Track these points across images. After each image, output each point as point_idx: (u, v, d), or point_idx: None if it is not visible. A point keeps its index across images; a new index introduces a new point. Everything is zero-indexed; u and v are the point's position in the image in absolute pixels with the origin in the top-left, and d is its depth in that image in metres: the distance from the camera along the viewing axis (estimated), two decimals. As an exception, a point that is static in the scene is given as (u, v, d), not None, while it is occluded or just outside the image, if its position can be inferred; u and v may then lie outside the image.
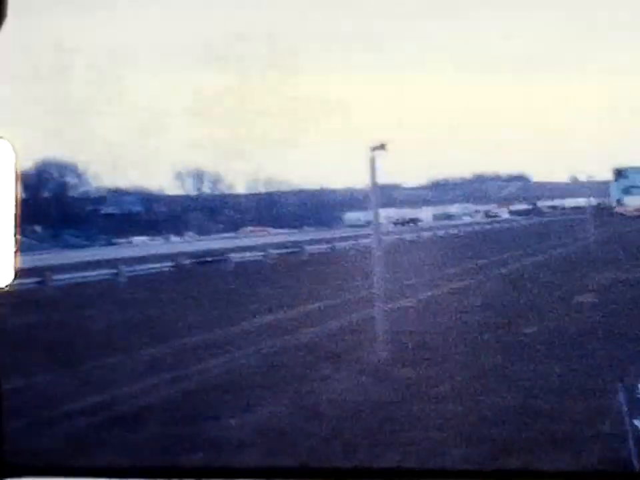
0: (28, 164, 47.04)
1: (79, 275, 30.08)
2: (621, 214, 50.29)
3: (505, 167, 52.30)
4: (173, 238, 47.82)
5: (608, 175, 50.59)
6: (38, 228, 45.37)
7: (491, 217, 55.27)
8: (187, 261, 34.77)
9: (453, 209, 54.69)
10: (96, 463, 10.79)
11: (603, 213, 49.02)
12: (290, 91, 37.12)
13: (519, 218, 55.17)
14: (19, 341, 19.10)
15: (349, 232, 43.73)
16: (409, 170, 42.82)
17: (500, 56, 40.99)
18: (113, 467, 9.81)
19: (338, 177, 43.12)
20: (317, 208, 48.26)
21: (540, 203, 56.73)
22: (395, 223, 48.27)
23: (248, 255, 37.12)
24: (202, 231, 47.94)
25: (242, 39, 35.62)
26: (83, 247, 44.04)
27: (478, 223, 52.97)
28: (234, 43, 37.42)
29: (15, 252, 5.08)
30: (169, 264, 33.94)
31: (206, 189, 49.15)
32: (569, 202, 54.83)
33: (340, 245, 40.35)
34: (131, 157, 41.14)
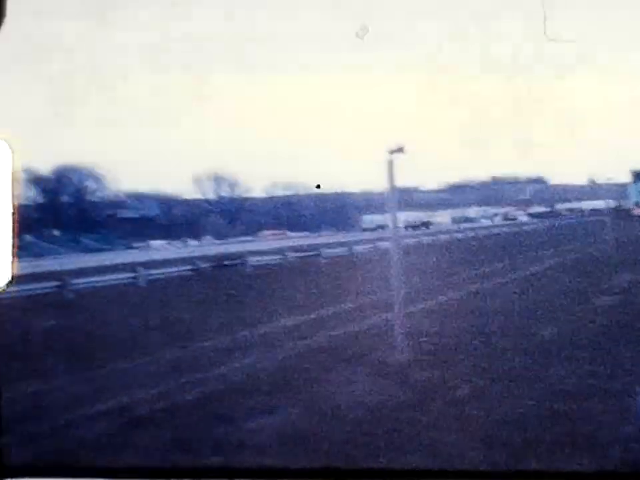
0: (47, 169, 47.27)
1: (98, 279, 30.20)
2: (639, 216, 50.14)
3: (523, 169, 52.19)
4: (191, 242, 47.96)
5: (626, 177, 50.46)
6: (57, 232, 45.60)
7: (509, 219, 55.18)
8: (206, 265, 34.86)
9: (471, 211, 54.64)
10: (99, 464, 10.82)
11: (621, 215, 48.87)
12: (307, 93, 37.18)
13: (537, 221, 55.05)
14: (39, 345, 19.23)
15: (367, 235, 43.76)
16: (427, 173, 42.79)
17: (516, 57, 40.95)
18: (113, 467, 9.81)
19: (356, 180, 43.13)
20: (334, 211, 48.29)
21: (558, 206, 56.60)
22: (406, 227, 48.17)
23: (266, 258, 37.18)
24: (220, 235, 48.05)
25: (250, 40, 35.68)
26: (101, 250, 44.22)
27: (496, 226, 52.89)
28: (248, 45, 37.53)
29: (13, 252, 5.07)
30: (188, 267, 34.05)
31: (224, 192, 49.26)
32: (587, 204, 54.71)
33: (358, 248, 40.37)
34: (149, 161, 41.26)
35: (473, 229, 50.45)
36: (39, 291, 27.40)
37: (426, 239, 44.55)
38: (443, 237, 46.86)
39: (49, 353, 18.06)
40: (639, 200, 50.39)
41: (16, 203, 5.05)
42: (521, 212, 55.86)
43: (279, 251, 38.56)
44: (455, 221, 53.35)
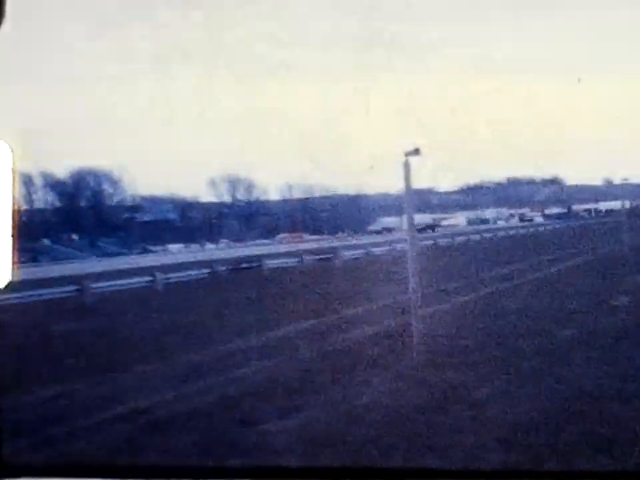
0: (64, 172, 47.50)
1: (116, 283, 30.34)
2: (656, 217, 49.94)
3: (539, 170, 52.10)
4: (208, 245, 48.07)
5: (643, 178, 50.25)
6: (75, 236, 45.81)
7: (525, 220, 55.07)
8: (223, 268, 34.96)
9: (487, 213, 54.55)
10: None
11: (638, 215, 48.70)
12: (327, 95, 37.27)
13: (553, 222, 54.94)
14: (60, 348, 19.37)
15: (383, 237, 43.79)
16: (442, 174, 42.81)
17: (531, 59, 40.92)
18: (113, 467, 9.86)
19: (373, 182, 43.17)
20: (351, 213, 48.33)
21: (574, 207, 56.45)
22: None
23: (283, 260, 37.25)
24: (236, 238, 48.15)
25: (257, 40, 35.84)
26: (119, 254, 44.40)
27: (512, 227, 52.80)
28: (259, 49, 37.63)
29: (12, 252, 5.12)
30: (205, 271, 34.15)
31: (240, 195, 49.38)
32: (604, 205, 54.55)
33: (375, 250, 40.38)
34: (166, 164, 41.45)
35: (488, 230, 50.35)
36: (58, 295, 27.66)
37: (442, 241, 44.55)
38: (459, 238, 46.82)
39: (70, 356, 18.19)
40: (656, 200, 50.21)
41: (16, 204, 5.10)
42: (537, 213, 55.73)
43: (296, 254, 38.63)
44: (471, 222, 53.26)
